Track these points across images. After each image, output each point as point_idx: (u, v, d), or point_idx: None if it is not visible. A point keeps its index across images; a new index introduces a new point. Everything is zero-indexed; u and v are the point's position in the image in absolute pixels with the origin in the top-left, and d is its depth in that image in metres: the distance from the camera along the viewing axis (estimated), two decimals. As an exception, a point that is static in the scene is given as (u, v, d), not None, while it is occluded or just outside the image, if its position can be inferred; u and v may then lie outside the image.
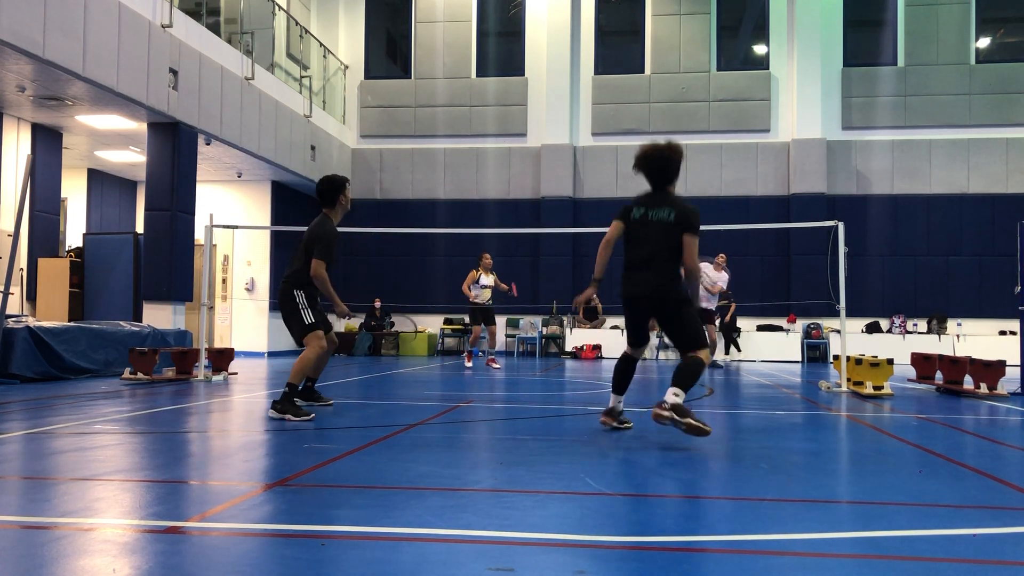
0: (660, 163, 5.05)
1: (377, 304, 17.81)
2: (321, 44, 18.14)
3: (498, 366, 12.51)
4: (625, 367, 5.27)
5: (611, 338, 17.36)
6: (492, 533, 2.69)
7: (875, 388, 7.98)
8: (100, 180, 15.60)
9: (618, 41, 19.34)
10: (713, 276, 12.84)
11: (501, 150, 18.68)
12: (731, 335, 16.32)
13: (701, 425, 4.53)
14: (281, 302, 6.08)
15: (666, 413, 4.58)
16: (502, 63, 19.05)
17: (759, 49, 18.65)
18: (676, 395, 4.65)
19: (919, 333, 16.72)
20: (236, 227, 13.13)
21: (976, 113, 17.53)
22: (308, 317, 6.00)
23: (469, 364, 12.70)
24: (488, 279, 12.49)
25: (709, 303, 12.78)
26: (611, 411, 5.28)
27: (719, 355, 16.37)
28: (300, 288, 6.02)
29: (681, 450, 4.57)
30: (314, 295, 6.09)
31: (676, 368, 4.81)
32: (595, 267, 5.17)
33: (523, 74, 18.88)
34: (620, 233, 5.08)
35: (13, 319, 9.29)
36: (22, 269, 11.88)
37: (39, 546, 2.49)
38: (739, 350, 16.44)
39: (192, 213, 12.42)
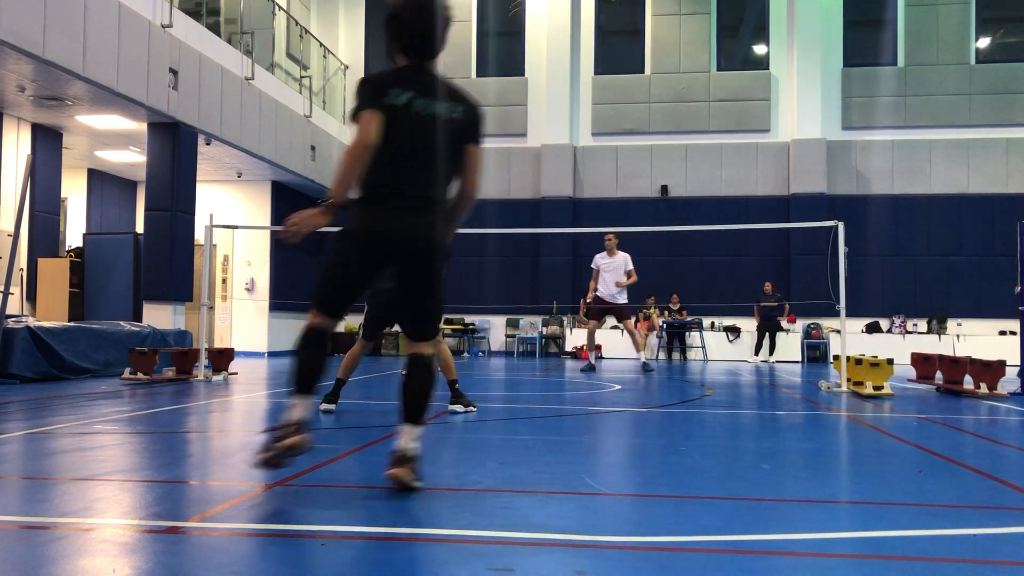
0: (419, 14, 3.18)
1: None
2: (321, 44, 18.13)
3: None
4: (319, 350, 3.19)
5: (611, 338, 17.36)
6: (492, 533, 2.68)
7: (875, 388, 7.98)
8: (100, 180, 15.60)
9: (618, 41, 19.34)
10: (616, 262, 11.68)
11: (501, 150, 18.67)
12: (775, 337, 16.35)
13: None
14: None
15: (410, 479, 3.14)
16: (502, 63, 19.05)
17: (759, 49, 18.65)
18: (417, 440, 3.25)
19: (919, 333, 16.72)
20: (236, 227, 13.13)
21: (976, 113, 17.52)
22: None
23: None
24: None
25: (621, 296, 11.78)
26: (298, 425, 3.11)
27: (762, 355, 16.37)
28: None
29: (681, 450, 4.57)
30: None
31: (404, 388, 3.31)
32: (337, 184, 3.07)
33: (523, 74, 18.89)
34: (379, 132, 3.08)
35: (13, 319, 9.29)
36: (22, 269, 11.88)
37: (39, 546, 2.49)
38: (771, 352, 16.42)
39: (192, 213, 12.42)
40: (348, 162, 3.04)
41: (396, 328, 17.80)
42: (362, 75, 19.17)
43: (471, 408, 6.14)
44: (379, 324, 6.18)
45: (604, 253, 11.91)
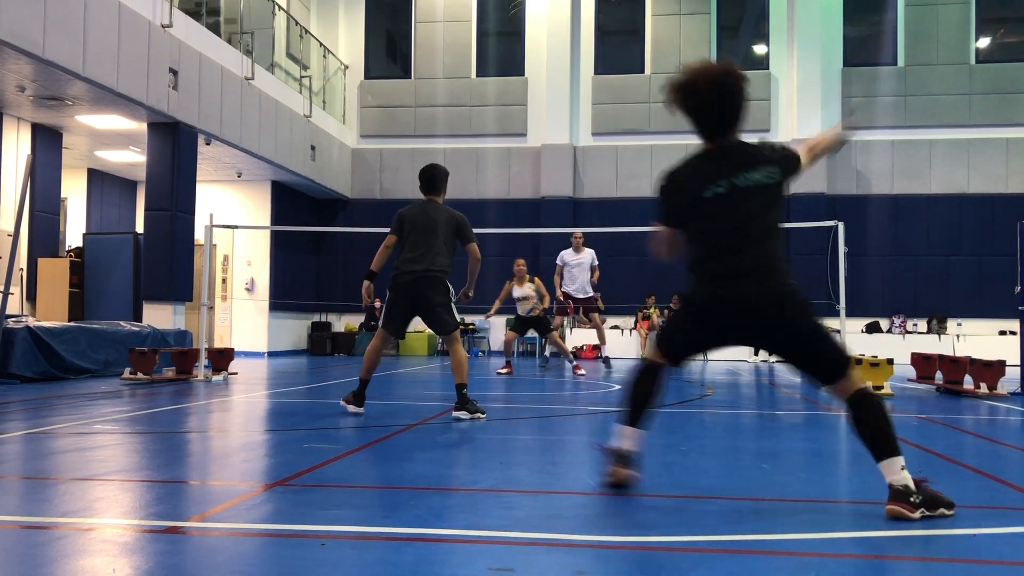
0: (721, 90, 3.31)
1: (377, 304, 17.76)
2: (321, 44, 18.13)
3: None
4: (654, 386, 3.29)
5: (611, 338, 17.35)
6: (492, 533, 2.68)
7: (875, 388, 7.98)
8: (100, 180, 15.60)
9: (618, 41, 19.33)
10: (583, 259, 11.77)
11: (501, 150, 18.67)
12: None
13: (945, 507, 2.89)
14: (435, 291, 5.93)
15: (916, 514, 2.81)
16: (502, 63, 19.05)
17: (759, 49, 18.65)
18: (901, 469, 2.87)
19: (919, 333, 16.72)
20: (236, 227, 13.13)
21: (976, 113, 17.52)
22: (457, 315, 6.06)
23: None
24: (521, 290, 11.61)
25: (588, 290, 11.82)
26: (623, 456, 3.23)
27: (762, 354, 16.34)
28: (448, 282, 6.05)
29: (681, 450, 4.57)
30: None
31: (865, 425, 2.95)
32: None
33: (523, 74, 18.88)
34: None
35: (13, 319, 9.29)
36: (22, 269, 11.87)
37: (39, 546, 2.49)
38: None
39: (192, 213, 12.42)
40: None
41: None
42: (362, 75, 19.23)
43: (478, 415, 5.68)
44: (404, 317, 6.07)
45: (570, 250, 11.96)
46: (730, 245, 3.18)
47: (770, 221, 3.28)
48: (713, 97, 3.26)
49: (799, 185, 17.53)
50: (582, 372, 11.16)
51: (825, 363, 3.03)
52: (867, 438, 2.94)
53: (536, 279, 11.96)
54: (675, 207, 3.37)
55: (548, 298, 11.86)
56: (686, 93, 3.27)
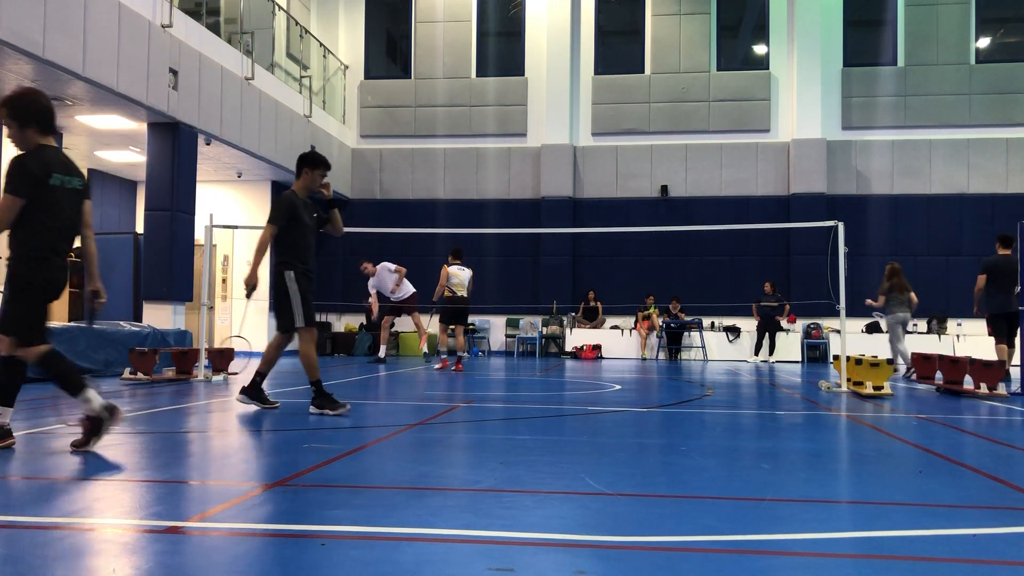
0: (48, 105, 4.26)
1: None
2: (321, 44, 18.14)
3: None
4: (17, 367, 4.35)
5: (611, 338, 17.37)
6: (492, 533, 2.68)
7: (875, 388, 7.98)
8: (100, 180, 15.60)
9: (618, 41, 19.34)
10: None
11: (501, 150, 18.68)
12: (775, 337, 16.33)
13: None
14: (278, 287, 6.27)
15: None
16: (502, 63, 19.05)
17: (759, 49, 18.65)
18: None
19: (919, 333, 16.71)
20: (236, 227, 13.12)
21: (976, 113, 17.52)
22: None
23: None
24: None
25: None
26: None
27: (762, 354, 16.39)
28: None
29: (681, 450, 4.57)
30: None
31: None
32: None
33: (523, 74, 18.88)
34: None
35: (13, 319, 9.28)
36: (22, 269, 11.87)
37: (39, 546, 2.49)
38: (771, 352, 16.39)
39: (192, 213, 12.42)
40: None
41: (395, 328, 17.91)
42: (362, 75, 19.22)
43: (333, 412, 5.97)
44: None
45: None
46: (71, 231, 4.25)
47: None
48: (51, 107, 4.24)
49: (800, 185, 17.55)
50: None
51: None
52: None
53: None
54: (34, 183, 4.05)
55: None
56: (38, 100, 4.18)
